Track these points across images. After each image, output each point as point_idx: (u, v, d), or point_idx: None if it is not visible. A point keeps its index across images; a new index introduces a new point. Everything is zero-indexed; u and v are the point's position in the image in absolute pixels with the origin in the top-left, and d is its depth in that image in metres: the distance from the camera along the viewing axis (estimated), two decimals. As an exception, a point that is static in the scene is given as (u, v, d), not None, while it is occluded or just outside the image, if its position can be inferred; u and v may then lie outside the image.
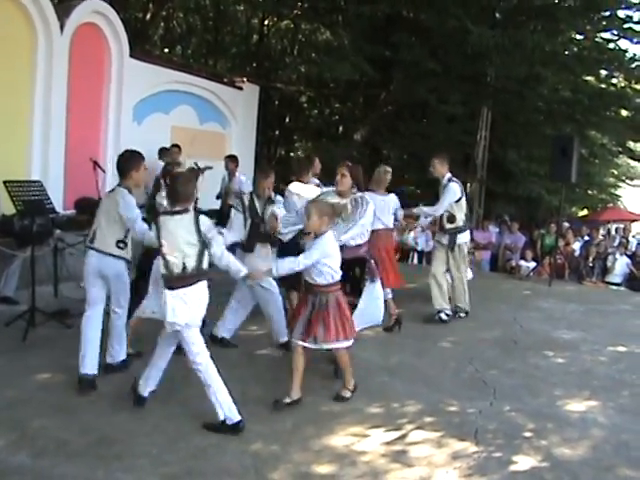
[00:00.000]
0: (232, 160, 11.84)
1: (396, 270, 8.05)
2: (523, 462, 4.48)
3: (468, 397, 5.67)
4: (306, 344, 5.16)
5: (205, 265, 4.73)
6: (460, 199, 8.28)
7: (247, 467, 4.18)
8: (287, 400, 5.16)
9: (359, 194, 6.15)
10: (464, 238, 8.54)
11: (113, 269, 5.47)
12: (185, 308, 4.61)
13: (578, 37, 18.98)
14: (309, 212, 5.23)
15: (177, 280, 4.63)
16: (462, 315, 8.67)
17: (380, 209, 7.44)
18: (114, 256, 5.43)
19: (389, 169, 8.07)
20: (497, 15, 17.54)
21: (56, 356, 6.01)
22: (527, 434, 4.96)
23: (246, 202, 6.48)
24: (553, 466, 4.46)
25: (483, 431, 4.93)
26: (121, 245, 5.46)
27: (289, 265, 5.13)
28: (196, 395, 4.87)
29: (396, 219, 8.18)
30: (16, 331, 6.54)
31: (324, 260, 5.16)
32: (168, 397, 5.05)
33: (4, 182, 7.13)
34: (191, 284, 4.65)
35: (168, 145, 11.52)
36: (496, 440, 4.80)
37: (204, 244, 4.69)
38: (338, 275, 5.27)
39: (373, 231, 6.58)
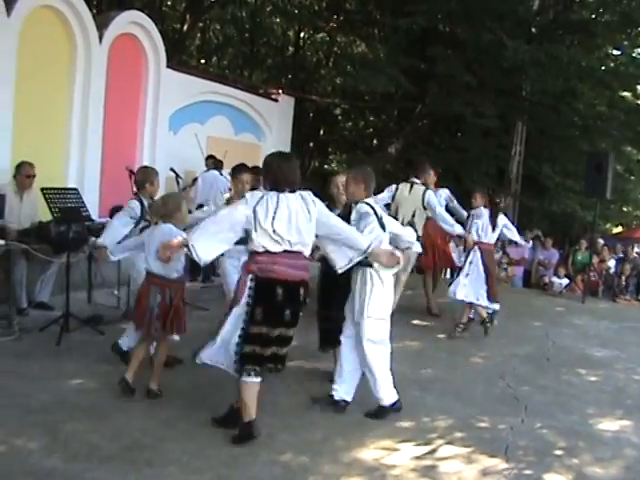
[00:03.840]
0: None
1: None
2: (554, 480, 4.42)
3: (499, 413, 5.63)
4: None
5: None
6: None
7: (277, 477, 4.17)
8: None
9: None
10: None
11: None
12: None
13: (615, 52, 18.85)
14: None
15: None
16: None
17: None
18: None
19: None
20: (533, 30, 17.44)
21: (89, 361, 6.07)
22: (558, 452, 4.90)
23: None
24: (585, 485, 4.40)
25: (514, 448, 4.88)
26: None
27: None
28: (227, 402, 4.89)
29: None
30: (50, 336, 6.61)
31: None
32: (199, 404, 5.08)
33: (41, 189, 7.23)
34: None
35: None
36: (527, 457, 4.75)
37: None
38: None
39: None
